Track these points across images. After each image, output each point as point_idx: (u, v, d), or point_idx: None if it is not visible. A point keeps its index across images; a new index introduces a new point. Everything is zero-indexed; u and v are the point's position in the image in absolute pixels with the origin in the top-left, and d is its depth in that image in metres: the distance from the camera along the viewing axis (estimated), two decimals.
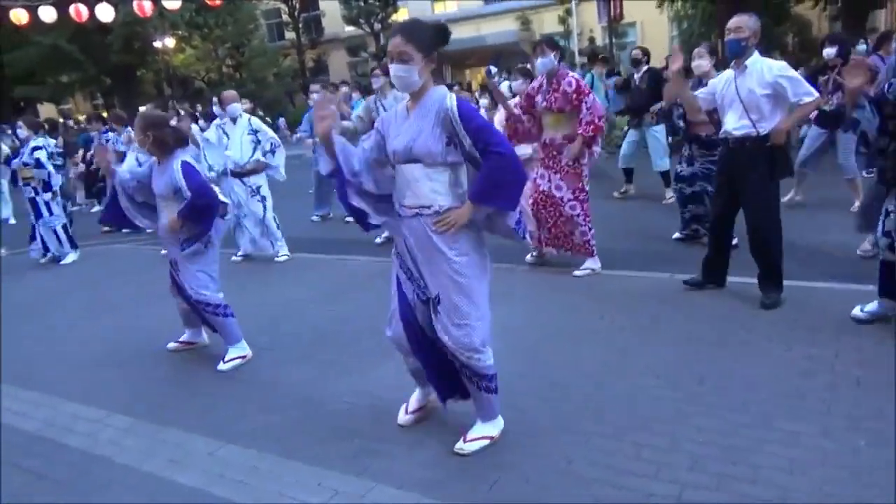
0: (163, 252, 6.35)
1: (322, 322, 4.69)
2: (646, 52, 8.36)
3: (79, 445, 3.28)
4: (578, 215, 5.17)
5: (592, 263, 5.26)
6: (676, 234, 6.08)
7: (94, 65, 22.42)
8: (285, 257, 6.83)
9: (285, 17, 29.03)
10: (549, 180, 5.23)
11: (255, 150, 6.62)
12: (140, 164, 5.75)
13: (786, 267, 4.23)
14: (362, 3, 26.90)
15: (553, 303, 4.68)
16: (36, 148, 7.55)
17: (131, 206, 4.29)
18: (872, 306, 3.77)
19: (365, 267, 6.14)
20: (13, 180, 8.20)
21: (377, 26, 27.45)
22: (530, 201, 5.31)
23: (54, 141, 8.89)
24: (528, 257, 5.66)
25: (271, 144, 6.72)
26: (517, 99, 5.84)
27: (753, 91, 4.05)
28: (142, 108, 5.63)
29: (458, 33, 26.88)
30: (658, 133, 7.89)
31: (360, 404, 3.40)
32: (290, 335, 4.56)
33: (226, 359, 4.16)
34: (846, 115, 3.87)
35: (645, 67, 8.15)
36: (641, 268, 5.22)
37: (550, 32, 26.63)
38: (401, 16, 28.39)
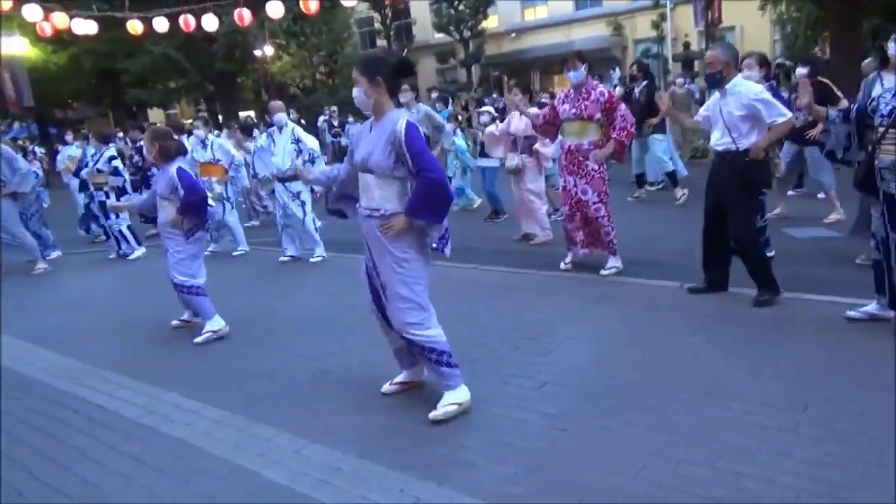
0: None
1: None
2: (642, 69, 9.40)
3: (176, 434, 3.44)
4: (603, 216, 5.50)
5: (615, 262, 5.60)
6: None
7: (198, 72, 23.68)
8: (320, 258, 7.20)
9: (377, 26, 29.67)
10: (576, 185, 5.53)
11: (296, 157, 7.04)
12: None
13: None
14: (453, 11, 27.12)
15: (642, 319, 4.51)
16: (113, 157, 8.49)
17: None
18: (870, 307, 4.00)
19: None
20: (82, 187, 9.19)
21: (466, 33, 27.62)
22: (566, 208, 5.65)
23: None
24: (563, 265, 5.83)
25: (311, 154, 7.13)
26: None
27: (732, 112, 4.45)
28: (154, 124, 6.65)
29: (548, 39, 26.88)
30: (659, 140, 8.72)
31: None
32: (375, 337, 4.61)
33: (202, 331, 4.90)
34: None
35: (644, 82, 8.97)
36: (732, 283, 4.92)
37: (643, 38, 26.08)
38: (491, 23, 28.47)
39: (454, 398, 3.32)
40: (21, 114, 23.13)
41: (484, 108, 9.85)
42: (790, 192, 7.59)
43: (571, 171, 5.54)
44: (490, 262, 6.37)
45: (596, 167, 5.47)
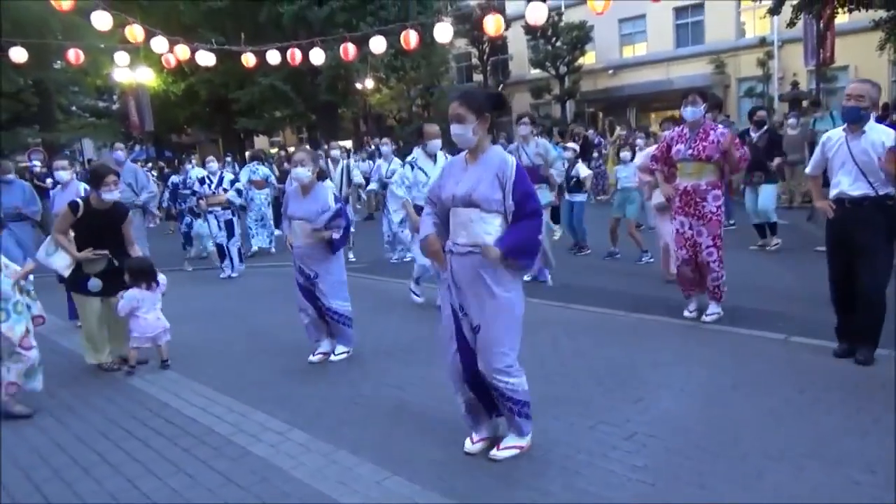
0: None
1: None
2: (768, 114, 9.78)
3: (262, 454, 3.51)
4: (715, 261, 5.26)
5: (717, 308, 5.39)
6: None
7: (303, 102, 24.84)
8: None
9: (474, 61, 30.21)
10: (692, 227, 5.30)
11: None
12: None
13: None
14: (550, 47, 27.24)
15: (743, 371, 4.26)
16: (234, 181, 9.26)
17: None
18: None
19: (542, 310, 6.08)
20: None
21: (563, 69, 27.62)
22: (682, 252, 5.38)
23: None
24: (687, 312, 5.56)
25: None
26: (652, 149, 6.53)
27: (870, 155, 4.09)
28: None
29: (646, 76, 26.49)
30: (770, 189, 8.42)
31: (537, 457, 3.28)
32: None
33: (336, 352, 5.04)
34: None
35: (765, 127, 8.86)
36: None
37: (747, 76, 25.18)
38: (588, 59, 28.35)
39: (518, 442, 3.31)
40: (142, 137, 25.00)
41: (570, 145, 9.82)
42: None
43: (687, 213, 5.28)
44: (582, 301, 6.23)
45: (714, 209, 5.20)
